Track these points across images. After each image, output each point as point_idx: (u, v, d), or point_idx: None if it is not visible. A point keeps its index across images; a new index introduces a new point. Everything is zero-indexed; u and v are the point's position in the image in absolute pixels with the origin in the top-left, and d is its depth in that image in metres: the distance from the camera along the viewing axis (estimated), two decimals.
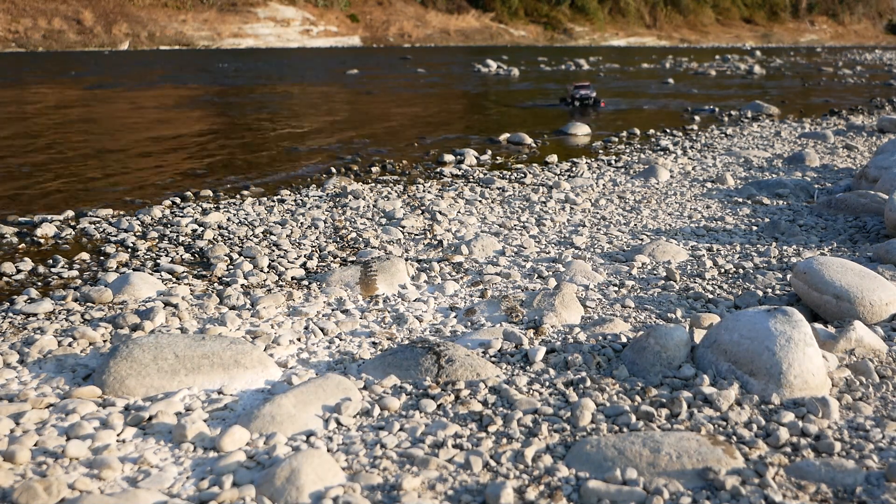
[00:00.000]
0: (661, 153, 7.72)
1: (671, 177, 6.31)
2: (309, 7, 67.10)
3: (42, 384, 2.42)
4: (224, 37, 61.20)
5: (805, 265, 3.07)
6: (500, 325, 2.96)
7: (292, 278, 3.68)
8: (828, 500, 1.76)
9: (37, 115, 11.91)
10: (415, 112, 12.58)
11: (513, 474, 1.88)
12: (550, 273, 3.69)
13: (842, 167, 6.74)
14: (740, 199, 5.41)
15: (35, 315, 3.13)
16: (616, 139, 8.92)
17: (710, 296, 3.32)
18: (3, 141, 8.90)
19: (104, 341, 2.83)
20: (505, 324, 2.98)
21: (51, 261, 4.01)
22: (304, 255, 4.07)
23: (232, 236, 4.49)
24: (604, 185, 6.02)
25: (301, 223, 4.80)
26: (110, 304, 3.27)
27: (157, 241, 4.43)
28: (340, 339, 2.87)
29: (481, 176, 6.46)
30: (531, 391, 2.35)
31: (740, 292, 3.35)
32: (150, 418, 2.17)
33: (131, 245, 4.32)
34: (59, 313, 3.16)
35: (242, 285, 3.55)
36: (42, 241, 4.47)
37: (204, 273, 3.78)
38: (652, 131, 9.52)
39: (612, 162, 7.19)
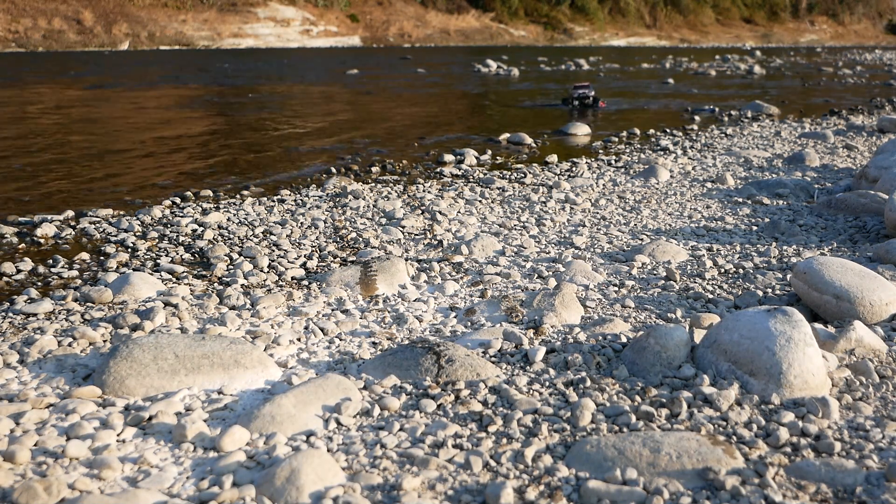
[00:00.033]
0: (661, 153, 7.72)
1: (671, 177, 6.31)
2: (309, 7, 67.04)
3: (42, 384, 2.42)
4: (224, 37, 61.13)
5: (805, 265, 3.07)
6: (500, 325, 2.96)
7: (292, 278, 3.68)
8: (828, 500, 1.76)
9: (37, 115, 11.90)
10: (415, 112, 12.57)
11: (513, 474, 1.88)
12: (550, 273, 3.69)
13: (842, 167, 6.74)
14: (740, 199, 5.41)
15: (35, 315, 3.13)
16: (616, 139, 8.92)
17: (710, 296, 3.32)
18: (3, 141, 8.89)
19: (104, 341, 2.83)
20: (505, 324, 2.98)
21: (51, 261, 4.01)
22: (304, 255, 4.08)
23: (232, 236, 4.49)
24: (604, 184, 6.03)
25: (301, 223, 4.80)
26: (110, 304, 3.27)
27: (157, 241, 4.43)
28: (340, 339, 2.87)
29: (481, 176, 6.46)
30: (531, 391, 2.35)
31: (740, 292, 3.35)
32: (150, 418, 2.17)
33: (131, 245, 4.32)
34: (59, 313, 3.16)
35: (242, 285, 3.55)
36: (42, 241, 4.47)
37: (204, 273, 3.78)
38: (652, 131, 9.52)
39: (612, 162, 7.19)
